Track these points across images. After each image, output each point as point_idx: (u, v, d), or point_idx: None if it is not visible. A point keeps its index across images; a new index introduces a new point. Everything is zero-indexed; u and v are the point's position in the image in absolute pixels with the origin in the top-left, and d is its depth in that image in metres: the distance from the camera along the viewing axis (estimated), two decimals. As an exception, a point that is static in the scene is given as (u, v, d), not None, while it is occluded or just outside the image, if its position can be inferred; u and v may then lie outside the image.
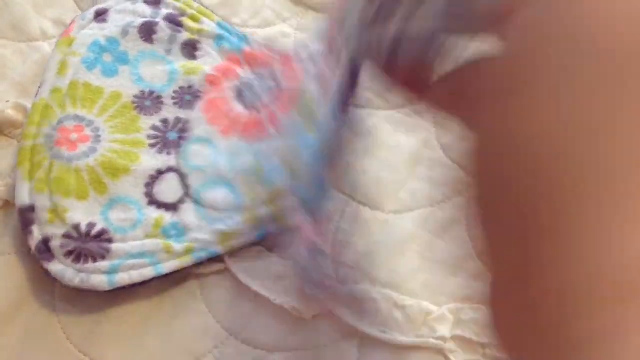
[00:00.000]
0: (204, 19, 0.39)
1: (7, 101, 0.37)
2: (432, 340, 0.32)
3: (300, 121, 0.27)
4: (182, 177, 0.35)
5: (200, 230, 0.33)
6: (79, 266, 0.32)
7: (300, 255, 0.28)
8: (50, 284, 0.34)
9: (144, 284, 0.33)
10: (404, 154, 0.37)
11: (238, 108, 0.36)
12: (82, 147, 0.34)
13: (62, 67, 0.36)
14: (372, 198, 0.36)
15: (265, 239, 0.34)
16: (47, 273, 0.32)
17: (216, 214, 0.34)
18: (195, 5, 0.40)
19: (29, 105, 0.37)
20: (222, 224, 0.34)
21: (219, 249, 0.33)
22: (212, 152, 0.35)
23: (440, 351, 0.32)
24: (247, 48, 0.38)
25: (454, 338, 0.32)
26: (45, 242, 0.32)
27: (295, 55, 0.29)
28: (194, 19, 0.39)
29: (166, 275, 0.33)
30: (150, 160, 0.35)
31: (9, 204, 0.35)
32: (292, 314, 0.33)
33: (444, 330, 0.33)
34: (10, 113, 0.37)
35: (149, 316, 0.33)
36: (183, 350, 0.32)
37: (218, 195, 0.34)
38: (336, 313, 0.33)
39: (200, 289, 0.34)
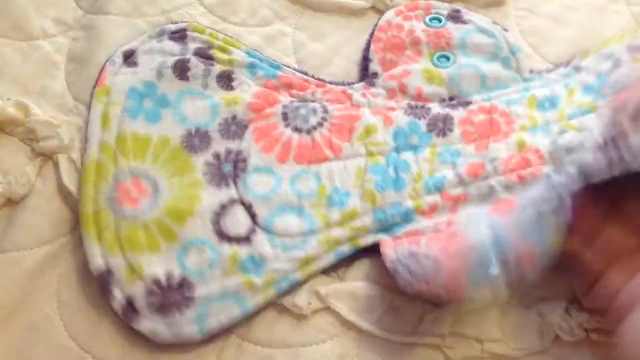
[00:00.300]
0: (233, 49, 0.39)
1: (8, 99, 0.38)
2: (430, 337, 0.33)
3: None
4: (247, 207, 0.34)
5: (277, 260, 0.33)
6: (167, 320, 0.31)
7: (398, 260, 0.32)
8: (53, 282, 0.34)
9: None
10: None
11: (287, 132, 0.37)
12: (144, 201, 0.34)
13: (105, 119, 0.36)
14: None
15: (343, 261, 0.34)
16: (137, 333, 0.32)
17: (290, 241, 0.34)
18: (221, 36, 0.40)
19: (29, 103, 0.37)
20: (299, 250, 0.33)
21: (298, 276, 0.33)
22: (273, 179, 0.35)
23: (438, 348, 0.33)
24: (281, 74, 0.39)
25: (452, 335, 0.33)
26: (130, 302, 0.32)
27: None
28: (222, 50, 0.39)
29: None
30: (211, 197, 0.35)
31: (10, 201, 0.35)
32: (293, 312, 0.33)
33: (442, 327, 0.33)
34: (11, 111, 0.37)
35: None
36: (186, 349, 0.32)
37: (288, 221, 0.34)
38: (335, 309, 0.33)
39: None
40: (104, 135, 0.36)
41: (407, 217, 0.34)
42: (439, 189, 0.34)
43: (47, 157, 0.37)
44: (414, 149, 0.36)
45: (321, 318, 0.33)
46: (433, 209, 0.34)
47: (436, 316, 0.33)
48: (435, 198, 0.34)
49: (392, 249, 0.33)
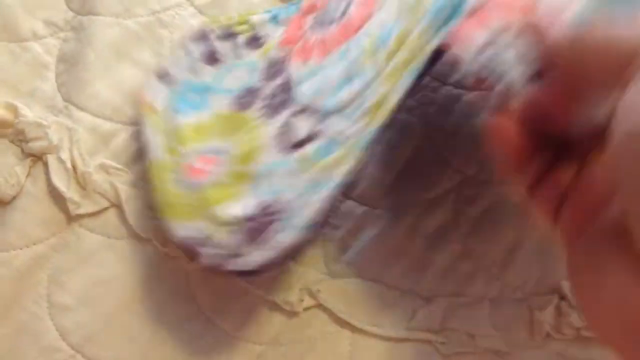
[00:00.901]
0: (250, 17, 0.39)
1: (-2, 101, 0.38)
2: (422, 333, 0.33)
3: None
4: (305, 110, 0.33)
5: (350, 126, 0.32)
6: (258, 244, 0.31)
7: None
8: (43, 282, 0.34)
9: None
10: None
11: (319, 34, 0.35)
12: (212, 167, 0.34)
13: (156, 126, 0.36)
14: (364, 195, 0.37)
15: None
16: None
17: (355, 104, 0.32)
18: (236, 15, 0.39)
19: (18, 104, 0.37)
20: (365, 103, 0.32)
21: (374, 122, 0.31)
22: (319, 75, 0.34)
23: (430, 343, 0.33)
24: (302, 5, 0.38)
25: (444, 330, 0.33)
26: (217, 252, 0.31)
27: None
28: (241, 22, 0.39)
29: (156, 271, 0.33)
30: (270, 127, 0.34)
31: (1, 202, 0.35)
32: (284, 309, 0.33)
33: (434, 322, 0.33)
34: (0, 112, 0.37)
35: (140, 314, 0.33)
36: (177, 348, 0.32)
37: (346, 93, 0.32)
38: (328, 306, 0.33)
39: (190, 285, 0.34)
40: (160, 138, 0.35)
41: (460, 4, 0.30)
42: None
43: (37, 158, 0.37)
44: None
45: (313, 315, 0.33)
46: None
47: (428, 311, 0.33)
48: None
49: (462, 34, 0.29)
